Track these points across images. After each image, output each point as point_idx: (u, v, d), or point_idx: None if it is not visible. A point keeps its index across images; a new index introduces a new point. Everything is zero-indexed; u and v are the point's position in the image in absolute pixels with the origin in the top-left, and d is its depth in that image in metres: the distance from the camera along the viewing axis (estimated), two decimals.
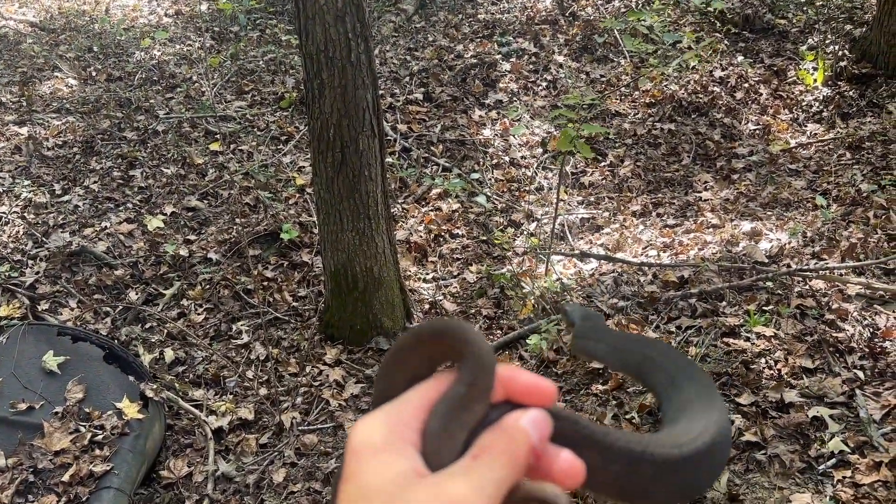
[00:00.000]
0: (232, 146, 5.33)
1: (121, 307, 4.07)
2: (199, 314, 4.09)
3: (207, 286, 4.23)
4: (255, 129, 5.55)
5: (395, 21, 6.87)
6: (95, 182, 4.97)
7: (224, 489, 3.19)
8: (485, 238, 4.84)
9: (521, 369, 0.51)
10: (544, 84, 6.36)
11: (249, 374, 3.77)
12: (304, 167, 5.17)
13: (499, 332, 4.06)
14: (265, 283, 4.27)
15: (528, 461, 0.47)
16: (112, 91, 5.99)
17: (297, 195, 4.88)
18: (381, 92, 5.84)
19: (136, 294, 4.16)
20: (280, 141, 5.46)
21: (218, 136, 5.35)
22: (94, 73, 6.31)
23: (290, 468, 3.26)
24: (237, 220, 4.59)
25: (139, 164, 5.17)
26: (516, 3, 7.45)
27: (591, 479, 0.51)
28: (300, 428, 3.47)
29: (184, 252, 4.40)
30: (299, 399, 3.63)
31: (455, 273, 4.58)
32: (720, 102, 6.20)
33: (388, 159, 5.20)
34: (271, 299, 4.18)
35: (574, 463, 0.48)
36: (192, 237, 4.58)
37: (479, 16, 7.17)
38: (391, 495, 0.44)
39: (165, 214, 4.69)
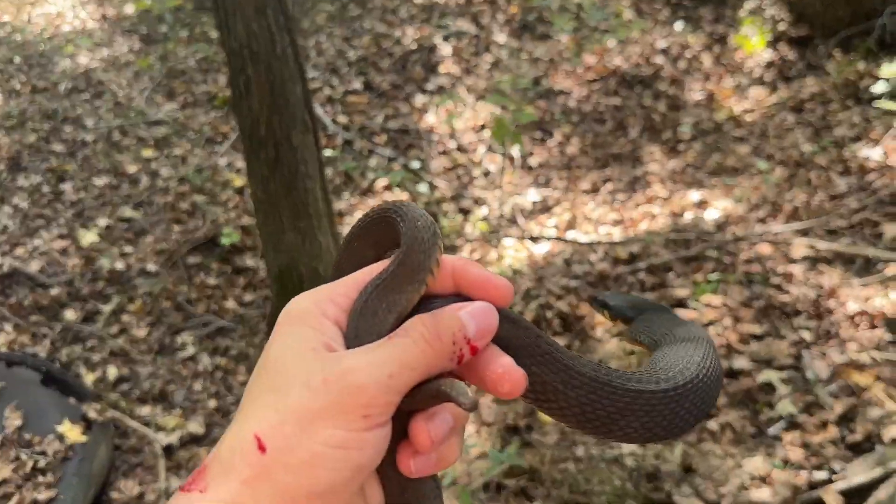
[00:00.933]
0: (165, 151, 5.18)
1: (59, 328, 3.93)
2: (140, 329, 3.97)
3: (148, 299, 4.10)
4: (189, 132, 5.40)
5: (330, 9, 6.73)
6: (24, 199, 4.79)
7: None
8: None
9: (475, 263, 0.48)
10: (486, 66, 6.29)
11: (197, 386, 3.67)
12: (241, 168, 5.04)
13: None
14: (208, 292, 4.15)
15: (452, 352, 0.44)
16: (37, 103, 5.77)
17: (237, 197, 4.76)
18: (318, 84, 5.74)
19: (74, 313, 4.02)
20: (215, 142, 5.32)
21: (150, 141, 5.19)
22: (17, 86, 6.08)
23: None
24: (174, 228, 4.46)
25: (69, 176, 5.00)
26: None
27: (548, 401, 0.49)
28: None
29: (121, 265, 4.26)
30: None
31: None
32: (664, 73, 6.20)
33: (330, 153, 5.10)
34: (216, 307, 4.07)
35: (513, 371, 0.45)
36: (129, 249, 4.44)
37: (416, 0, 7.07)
38: (287, 365, 0.43)
39: (100, 227, 4.54)
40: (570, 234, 4.55)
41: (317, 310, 0.46)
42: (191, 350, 3.85)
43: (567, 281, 3.97)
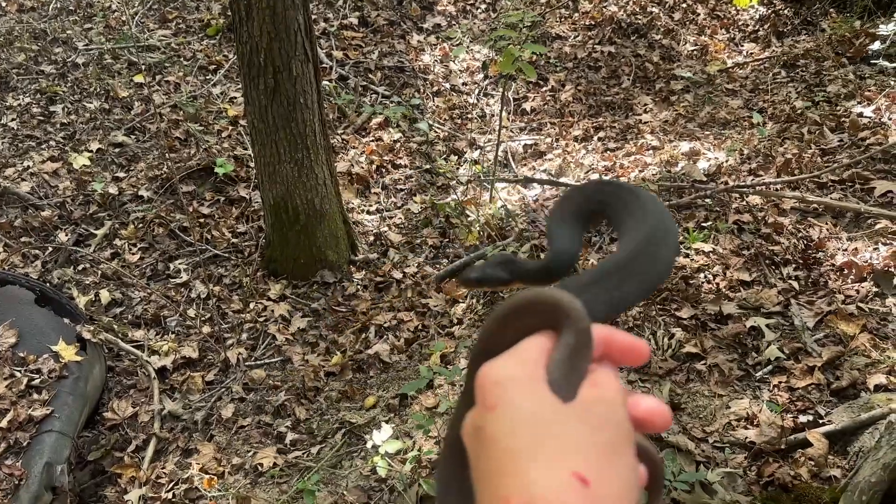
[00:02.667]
0: (157, 77, 5.08)
1: (50, 249, 3.90)
2: (133, 254, 3.95)
3: (140, 225, 4.07)
4: (182, 59, 5.29)
5: None
6: (14, 119, 4.69)
7: (171, 427, 3.15)
8: (428, 167, 4.77)
9: (618, 330, 0.52)
10: (483, 6, 6.21)
11: (191, 312, 3.68)
12: (235, 98, 4.97)
13: (445, 260, 4.05)
14: (201, 220, 4.13)
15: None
16: (25, 23, 5.60)
17: (230, 127, 4.70)
18: (313, 16, 5.62)
19: (66, 235, 3.99)
20: (208, 71, 5.22)
21: (142, 67, 5.08)
22: (3, 3, 5.88)
23: (238, 403, 3.22)
24: (168, 156, 4.41)
25: (60, 99, 4.89)
26: None
27: None
28: (247, 364, 3.42)
29: (113, 190, 4.22)
30: (244, 335, 3.57)
31: (399, 204, 4.52)
32: (659, 23, 6.16)
33: (325, 86, 5.04)
34: (209, 236, 4.06)
35: (661, 405, 0.50)
36: (121, 174, 4.39)
37: None
38: (548, 421, 0.45)
39: (91, 151, 4.47)
40: (563, 180, 4.58)
41: (535, 372, 0.49)
42: (184, 277, 3.85)
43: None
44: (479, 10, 6.16)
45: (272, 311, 3.65)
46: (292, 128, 3.54)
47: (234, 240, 4.08)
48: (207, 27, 5.61)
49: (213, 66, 5.28)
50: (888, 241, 3.27)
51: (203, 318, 3.64)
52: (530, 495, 0.42)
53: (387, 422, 2.84)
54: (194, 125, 4.62)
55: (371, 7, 5.91)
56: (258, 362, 3.43)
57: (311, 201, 3.71)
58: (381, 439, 2.61)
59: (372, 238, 4.17)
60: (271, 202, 3.74)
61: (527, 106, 5.44)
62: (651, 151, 4.73)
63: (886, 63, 4.76)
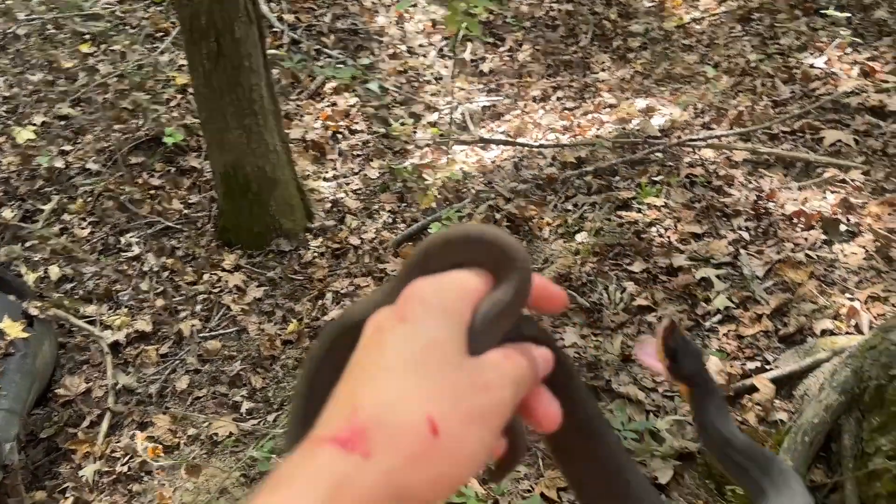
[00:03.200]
0: (103, 47, 4.93)
1: None
2: (83, 229, 3.87)
3: (89, 199, 3.99)
4: (128, 28, 5.15)
5: None
6: None
7: (126, 401, 3.11)
8: (385, 132, 4.72)
9: (536, 274, 0.52)
10: None
11: (144, 286, 3.62)
12: (183, 66, 4.84)
13: (402, 224, 4.02)
14: (152, 192, 4.06)
15: (529, 389, 0.48)
16: None
17: (179, 96, 4.60)
18: None
19: (12, 212, 3.89)
20: (156, 38, 5.09)
21: (87, 36, 4.93)
22: None
23: (193, 375, 3.20)
24: (115, 127, 4.31)
25: (1, 71, 4.74)
26: None
27: (556, 443, 0.56)
28: (201, 335, 3.39)
29: (60, 164, 4.12)
30: (199, 307, 3.53)
31: (356, 170, 4.47)
32: None
33: (275, 52, 4.94)
34: (160, 208, 3.98)
35: (557, 412, 0.50)
36: (68, 147, 4.28)
37: None
38: (449, 356, 0.44)
39: (35, 125, 4.34)
40: (520, 141, 4.55)
41: (463, 307, 0.48)
42: (136, 250, 3.79)
43: (515, 185, 3.99)
44: None
45: (227, 281, 3.61)
46: (238, 93, 3.47)
47: (187, 211, 4.01)
48: None
49: (161, 34, 5.14)
50: (836, 189, 3.30)
51: (156, 291, 3.58)
52: (379, 416, 0.42)
53: None
54: (142, 95, 4.51)
55: None
56: (213, 333, 3.40)
57: (262, 169, 3.65)
58: None
59: (329, 205, 4.12)
60: (221, 171, 3.67)
61: (485, 67, 5.38)
62: (608, 109, 4.71)
63: (837, 13, 4.78)
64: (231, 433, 2.86)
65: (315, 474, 0.40)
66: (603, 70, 5.28)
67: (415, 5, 5.63)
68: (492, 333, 0.48)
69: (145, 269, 3.71)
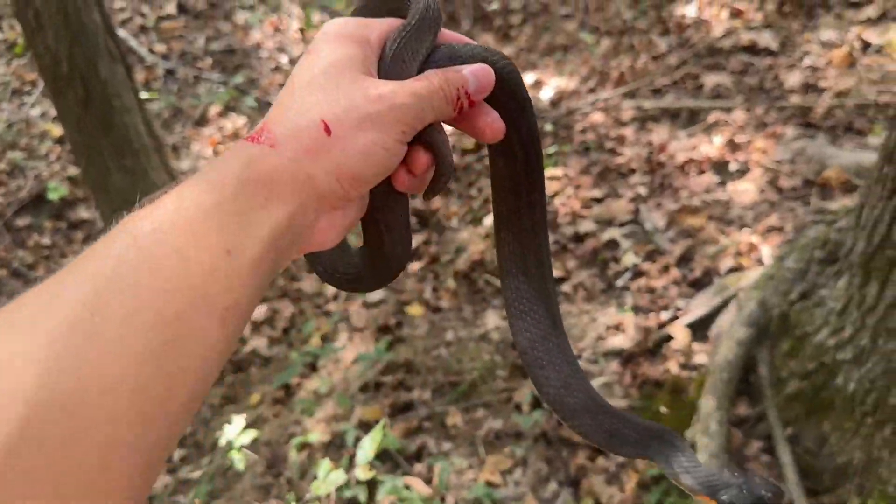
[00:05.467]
0: None
1: None
2: None
3: None
4: None
5: None
6: None
7: None
8: None
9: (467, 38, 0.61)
10: None
11: None
12: (57, 116, 4.65)
13: None
14: (45, 252, 3.88)
15: (455, 102, 0.55)
16: None
17: (58, 148, 4.40)
18: (127, 14, 5.31)
19: None
20: (23, 93, 4.86)
21: None
22: None
23: None
24: None
25: None
26: None
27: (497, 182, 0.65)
28: None
29: None
30: None
31: None
32: None
33: (151, 83, 4.78)
34: (56, 267, 3.80)
35: (497, 124, 0.57)
36: None
37: None
38: (344, 72, 0.52)
39: None
40: None
41: (363, 34, 0.55)
42: None
43: None
44: None
45: None
46: (114, 134, 3.34)
47: None
48: (14, 46, 5.21)
49: (28, 88, 4.91)
50: (720, 132, 3.40)
51: None
52: (282, 122, 0.50)
53: (245, 416, 2.74)
54: (17, 154, 4.30)
55: None
56: None
57: None
58: (234, 433, 2.54)
59: None
60: (110, 217, 3.52)
61: None
62: None
63: None
64: (166, 485, 2.76)
65: (230, 156, 0.49)
66: None
67: (289, 14, 5.53)
68: (403, 59, 0.56)
69: None
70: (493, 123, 0.57)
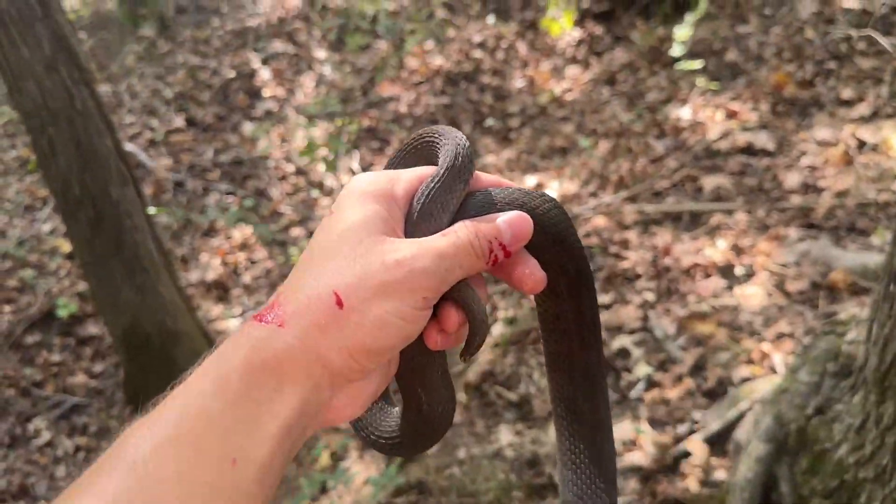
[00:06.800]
0: None
1: None
2: None
3: None
4: (5, 202, 5.00)
5: (137, 50, 6.42)
6: None
7: None
8: (285, 259, 4.68)
9: (504, 180, 0.58)
10: (311, 83, 6.22)
11: (60, 472, 3.41)
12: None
13: None
14: (54, 370, 3.86)
15: (488, 255, 0.52)
16: None
17: (68, 263, 4.45)
18: (137, 129, 5.48)
19: None
20: (34, 209, 4.96)
21: None
22: None
23: None
24: (5, 309, 4.12)
25: None
26: (263, 6, 7.21)
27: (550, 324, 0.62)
28: None
29: None
30: None
31: (264, 300, 4.39)
32: (485, 66, 6.36)
33: (160, 199, 4.88)
34: (65, 384, 3.79)
35: (537, 274, 0.54)
36: None
37: (227, 27, 6.87)
38: (362, 237, 0.49)
39: None
40: None
41: (388, 189, 0.52)
42: (46, 436, 3.57)
43: None
44: (309, 88, 6.16)
45: None
46: (125, 253, 3.39)
47: (94, 382, 3.83)
48: (27, 163, 5.35)
49: (39, 205, 5.02)
50: (723, 235, 3.43)
51: (74, 476, 3.36)
52: (292, 294, 0.48)
53: None
54: (27, 271, 4.35)
55: (196, 106, 5.81)
56: None
57: (162, 323, 3.53)
58: None
59: None
60: (120, 333, 3.54)
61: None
62: None
63: (692, 62, 5.08)
64: None
65: (237, 341, 0.47)
66: (490, 153, 5.43)
67: (296, 125, 5.69)
68: (432, 213, 0.52)
69: (59, 454, 3.49)
70: (532, 275, 0.54)
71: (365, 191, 0.52)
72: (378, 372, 0.53)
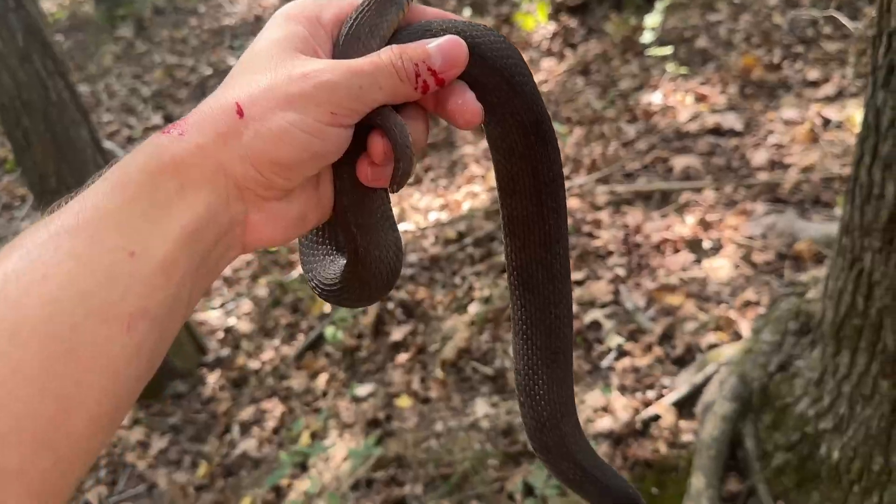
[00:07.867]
0: None
1: None
2: None
3: None
4: None
5: (115, 50, 6.44)
6: None
7: None
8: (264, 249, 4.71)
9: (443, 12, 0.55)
10: None
11: None
12: None
13: (301, 335, 3.97)
14: None
15: (416, 80, 0.49)
16: None
17: None
18: (115, 126, 5.50)
19: None
20: (13, 208, 4.96)
21: None
22: None
23: None
24: None
25: None
26: (240, 5, 7.25)
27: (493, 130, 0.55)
28: (111, 500, 3.20)
29: None
30: (102, 472, 3.35)
31: (243, 292, 4.42)
32: None
33: None
34: None
35: (472, 106, 0.51)
36: None
37: (204, 26, 6.91)
38: (274, 54, 0.49)
39: None
40: (402, 227, 4.63)
41: (315, 13, 0.51)
42: None
43: (403, 270, 4.04)
44: None
45: (126, 438, 3.45)
46: None
47: None
48: (4, 162, 5.36)
49: (18, 203, 5.02)
50: (692, 211, 3.50)
51: None
52: (198, 108, 0.48)
53: None
54: None
55: (173, 104, 5.84)
56: (122, 496, 3.22)
57: None
58: None
59: (221, 333, 4.04)
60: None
61: None
62: (479, 179, 4.88)
63: (662, 49, 5.16)
64: None
65: (138, 150, 0.47)
66: (467, 143, 5.49)
67: None
68: (359, 37, 0.50)
69: None
70: (464, 105, 0.50)
71: (289, 13, 0.51)
72: (301, 196, 0.52)
